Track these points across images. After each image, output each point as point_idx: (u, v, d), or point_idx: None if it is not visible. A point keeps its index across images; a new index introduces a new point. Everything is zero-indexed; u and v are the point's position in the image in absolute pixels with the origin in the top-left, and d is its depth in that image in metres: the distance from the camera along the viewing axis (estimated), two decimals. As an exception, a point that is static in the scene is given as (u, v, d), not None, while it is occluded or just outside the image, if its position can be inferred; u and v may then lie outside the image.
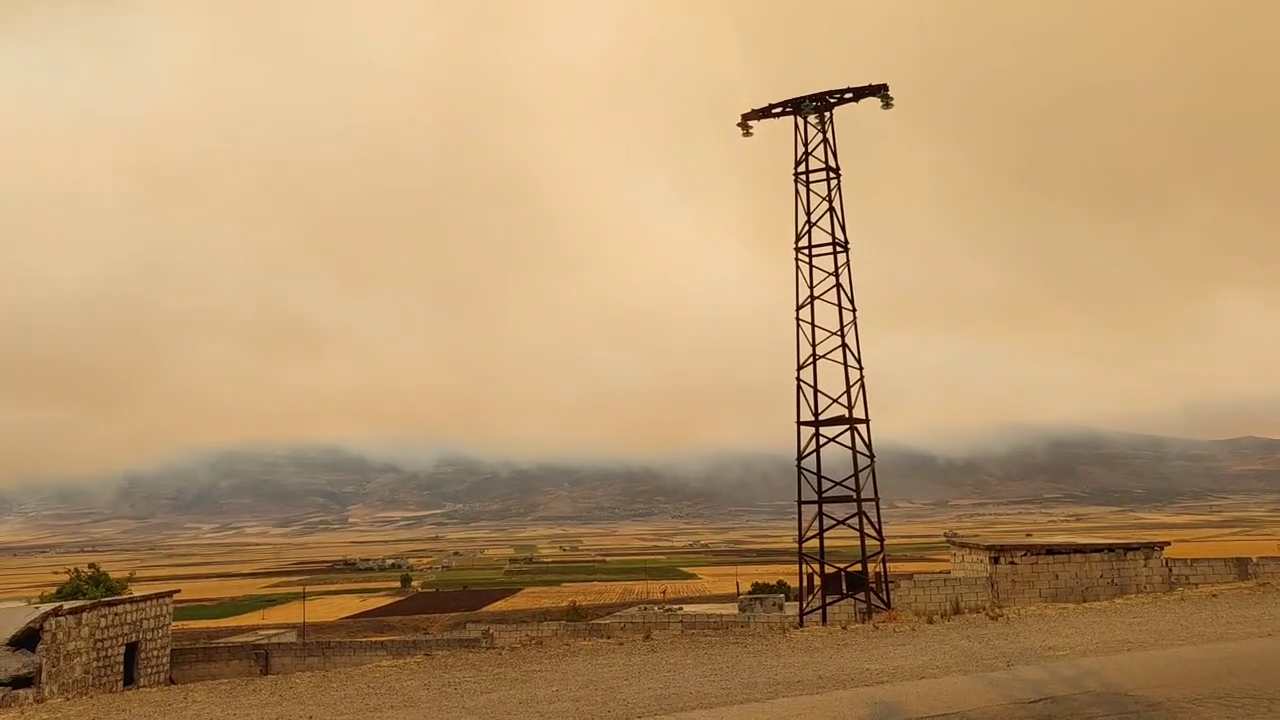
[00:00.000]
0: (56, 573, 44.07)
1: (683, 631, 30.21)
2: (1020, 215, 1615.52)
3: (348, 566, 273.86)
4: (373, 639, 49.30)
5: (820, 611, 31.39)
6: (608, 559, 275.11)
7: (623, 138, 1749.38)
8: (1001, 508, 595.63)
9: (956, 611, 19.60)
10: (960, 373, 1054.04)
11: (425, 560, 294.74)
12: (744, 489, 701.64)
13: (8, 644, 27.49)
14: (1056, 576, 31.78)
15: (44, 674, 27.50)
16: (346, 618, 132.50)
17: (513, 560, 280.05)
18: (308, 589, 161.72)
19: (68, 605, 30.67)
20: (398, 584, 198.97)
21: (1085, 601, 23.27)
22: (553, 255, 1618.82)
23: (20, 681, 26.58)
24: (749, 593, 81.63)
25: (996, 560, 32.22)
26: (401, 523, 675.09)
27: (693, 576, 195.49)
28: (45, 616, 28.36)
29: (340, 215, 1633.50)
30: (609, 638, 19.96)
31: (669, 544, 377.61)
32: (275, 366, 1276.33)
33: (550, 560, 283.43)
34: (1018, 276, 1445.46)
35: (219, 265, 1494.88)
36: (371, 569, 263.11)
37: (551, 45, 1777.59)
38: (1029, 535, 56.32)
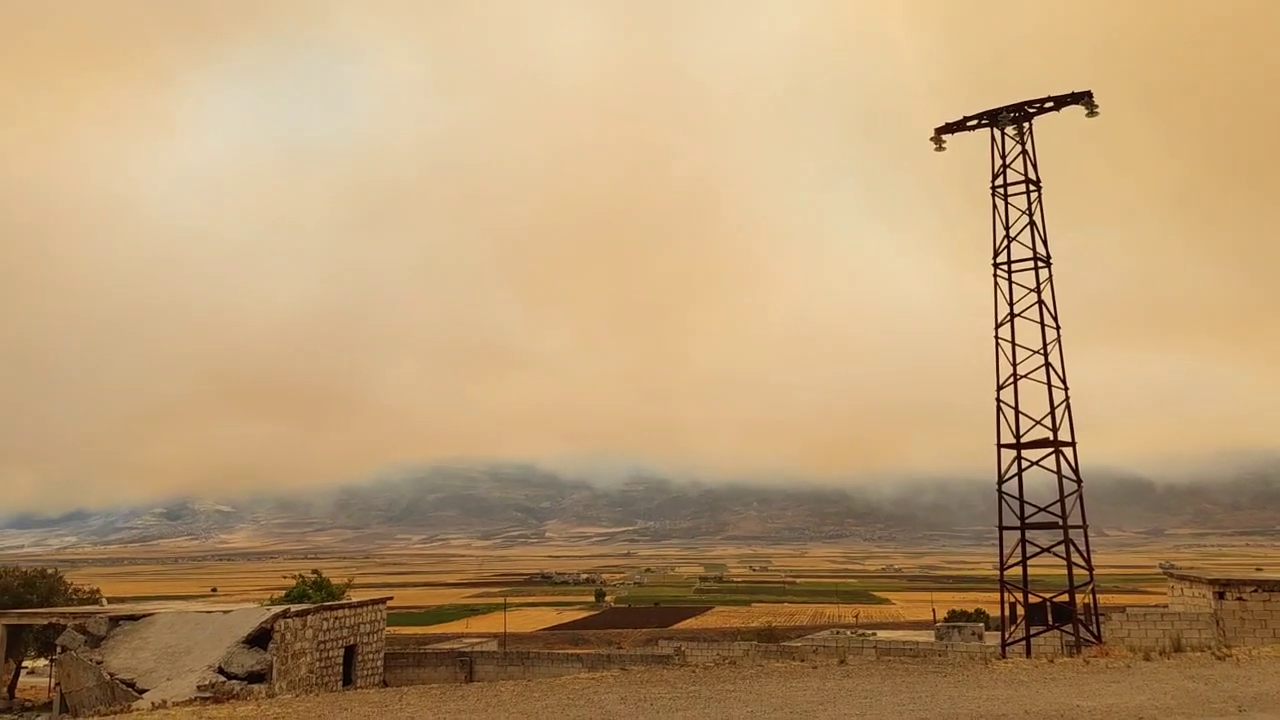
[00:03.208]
0: (284, 577, 47.57)
1: (878, 657, 29.61)
2: (1243, 219, 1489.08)
3: (545, 580, 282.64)
4: (569, 651, 50.59)
5: (1024, 643, 30.04)
6: (797, 580, 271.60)
7: (807, 150, 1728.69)
8: (1225, 538, 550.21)
9: (1177, 649, 18.43)
10: (1180, 392, 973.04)
11: (618, 576, 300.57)
12: (940, 513, 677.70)
13: (243, 641, 30.01)
14: (1293, 615, 29.15)
15: (274, 671, 29.82)
16: (544, 629, 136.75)
17: (703, 579, 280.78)
18: (508, 600, 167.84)
19: (295, 608, 33.11)
20: (592, 598, 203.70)
21: (1327, 644, 21.30)
22: (737, 271, 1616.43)
23: (254, 676, 28.93)
24: (945, 620, 78.66)
25: (1222, 595, 29.88)
26: (595, 539, 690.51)
27: (886, 602, 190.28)
28: (275, 618, 30.78)
29: (530, 235, 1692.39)
30: (802, 660, 19.81)
31: (860, 567, 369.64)
32: (471, 384, 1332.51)
33: (740, 580, 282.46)
34: (1243, 286, 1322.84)
35: (420, 286, 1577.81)
36: (567, 583, 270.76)
37: (734, 57, 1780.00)
38: (1259, 569, 51.90)
